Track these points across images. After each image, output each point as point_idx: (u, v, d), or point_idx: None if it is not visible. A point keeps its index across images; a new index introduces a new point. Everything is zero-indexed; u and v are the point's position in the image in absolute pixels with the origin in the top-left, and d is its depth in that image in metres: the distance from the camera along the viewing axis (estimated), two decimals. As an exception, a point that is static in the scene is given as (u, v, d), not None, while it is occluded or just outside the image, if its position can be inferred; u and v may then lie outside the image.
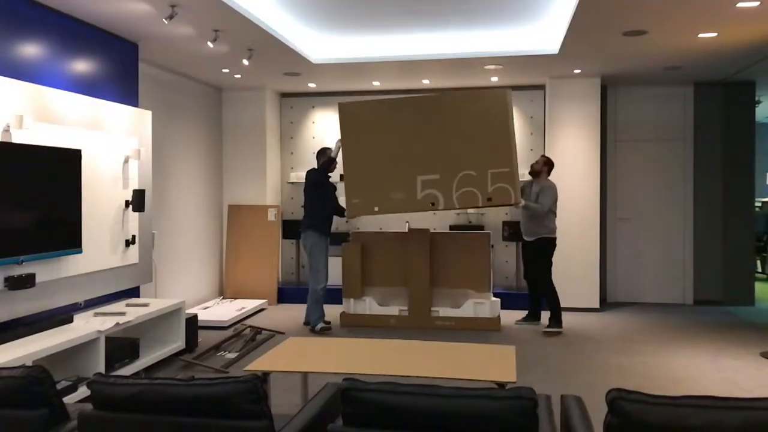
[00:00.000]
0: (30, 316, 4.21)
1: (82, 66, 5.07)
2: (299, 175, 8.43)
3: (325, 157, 6.46)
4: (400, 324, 6.54)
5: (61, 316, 4.42)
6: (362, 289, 6.66)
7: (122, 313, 4.72)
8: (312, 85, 7.96)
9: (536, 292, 6.68)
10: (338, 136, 6.15)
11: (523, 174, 6.67)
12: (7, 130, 3.92)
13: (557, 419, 2.64)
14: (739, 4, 4.59)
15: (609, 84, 7.78)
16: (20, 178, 4.03)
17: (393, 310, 6.62)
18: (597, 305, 7.44)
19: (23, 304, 4.11)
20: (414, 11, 5.56)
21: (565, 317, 6.45)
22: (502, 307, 6.63)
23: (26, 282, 4.04)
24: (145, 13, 4.80)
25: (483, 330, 6.34)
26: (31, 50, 4.52)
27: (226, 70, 6.94)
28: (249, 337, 6.06)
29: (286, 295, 7.93)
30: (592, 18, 4.98)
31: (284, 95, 8.55)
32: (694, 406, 1.78)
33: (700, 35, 5.48)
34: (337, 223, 7.10)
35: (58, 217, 4.39)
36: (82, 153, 4.52)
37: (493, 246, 7.10)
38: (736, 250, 7.81)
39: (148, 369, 4.90)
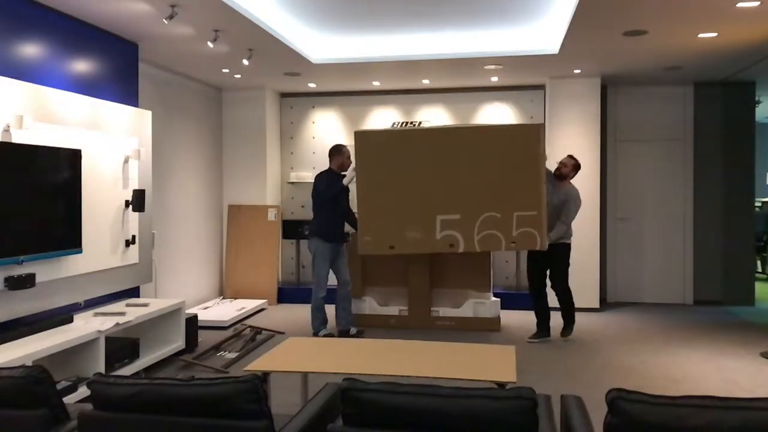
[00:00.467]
0: (30, 316, 4.21)
1: (82, 66, 5.07)
2: (299, 175, 8.45)
3: (339, 156, 6.11)
4: (400, 324, 6.54)
5: (61, 316, 4.41)
6: (362, 289, 6.66)
7: (122, 313, 4.72)
8: (312, 85, 7.96)
9: (543, 305, 6.16)
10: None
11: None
12: (7, 130, 3.92)
13: (557, 419, 2.64)
14: (739, 4, 4.59)
15: (609, 84, 7.78)
16: (20, 178, 4.04)
17: (393, 310, 6.62)
18: (597, 305, 7.44)
19: (23, 304, 4.11)
20: (414, 11, 5.56)
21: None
22: (502, 307, 6.63)
23: (26, 282, 4.04)
24: (145, 13, 4.80)
25: (483, 330, 6.34)
26: (31, 50, 4.52)
27: (226, 70, 6.94)
28: (249, 337, 6.06)
29: (286, 295, 7.93)
30: (592, 18, 4.98)
31: (284, 95, 8.55)
32: (694, 406, 1.78)
33: (700, 35, 5.48)
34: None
35: (58, 217, 4.39)
36: (82, 153, 4.52)
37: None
38: (736, 250, 7.81)
39: (148, 369, 4.90)
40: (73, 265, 4.54)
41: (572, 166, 6.07)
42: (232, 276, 8.03)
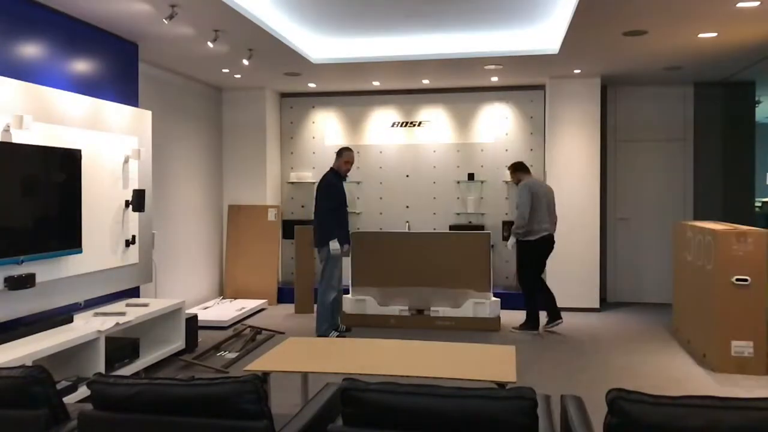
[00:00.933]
0: (30, 316, 4.21)
1: (82, 66, 5.07)
2: (299, 175, 8.45)
3: (339, 158, 6.09)
4: (400, 324, 6.54)
5: (61, 316, 4.41)
6: (362, 289, 6.66)
7: (122, 313, 4.72)
8: (312, 85, 7.96)
9: (541, 298, 6.46)
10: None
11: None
12: (7, 130, 3.92)
13: (557, 419, 2.64)
14: (739, 4, 4.59)
15: (609, 84, 7.78)
16: (20, 178, 4.04)
17: (393, 310, 6.62)
18: (597, 305, 7.44)
19: (23, 304, 4.11)
20: (414, 11, 5.55)
21: (565, 317, 6.44)
22: (502, 307, 6.63)
23: (26, 282, 4.03)
24: (145, 13, 4.80)
25: (483, 330, 6.34)
26: (31, 50, 4.52)
27: (226, 70, 6.94)
28: (249, 337, 6.06)
29: (286, 295, 7.92)
30: (592, 18, 4.97)
31: (284, 95, 8.55)
32: (694, 406, 1.78)
33: (700, 35, 5.48)
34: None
35: (58, 217, 4.39)
36: (82, 153, 4.52)
37: (493, 246, 7.10)
38: (736, 250, 7.80)
39: (148, 369, 4.90)
40: (73, 265, 4.54)
41: (511, 170, 6.69)
42: (232, 276, 8.03)
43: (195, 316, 5.76)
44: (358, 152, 7.45)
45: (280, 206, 8.27)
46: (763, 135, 10.02)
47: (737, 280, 4.93)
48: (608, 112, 7.92)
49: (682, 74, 7.19)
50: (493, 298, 6.54)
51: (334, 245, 5.86)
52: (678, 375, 5.01)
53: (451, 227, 7.99)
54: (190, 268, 7.37)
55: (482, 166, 8.03)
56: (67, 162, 4.42)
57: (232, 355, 5.50)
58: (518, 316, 6.79)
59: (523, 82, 7.80)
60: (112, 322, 4.43)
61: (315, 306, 6.45)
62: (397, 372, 3.30)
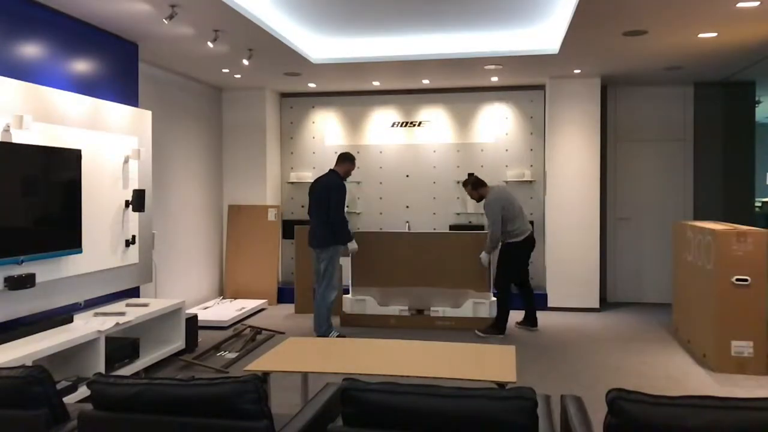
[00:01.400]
0: (30, 316, 4.21)
1: (82, 66, 5.07)
2: (299, 175, 8.45)
3: (346, 163, 6.12)
4: (400, 324, 6.54)
5: (61, 316, 4.41)
6: (362, 289, 6.66)
7: (122, 313, 4.72)
8: (312, 85, 7.96)
9: (524, 300, 6.57)
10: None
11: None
12: (7, 130, 3.92)
13: (557, 419, 2.64)
14: (739, 4, 4.59)
15: (609, 84, 7.78)
16: (20, 178, 4.04)
17: (393, 310, 6.62)
18: (597, 305, 7.44)
19: (23, 304, 4.11)
20: (414, 11, 5.55)
21: (566, 317, 6.46)
22: (502, 307, 6.63)
23: (26, 282, 4.04)
24: (145, 13, 4.80)
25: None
26: (31, 50, 4.52)
27: (226, 70, 6.94)
28: (249, 337, 6.06)
29: (286, 295, 7.92)
30: (592, 18, 4.97)
31: (284, 95, 8.55)
32: (694, 406, 1.78)
33: (700, 35, 5.48)
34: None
35: (58, 217, 4.39)
36: (82, 153, 4.52)
37: (493, 246, 7.10)
38: (736, 250, 7.80)
39: (148, 369, 4.90)
40: (73, 265, 4.54)
41: (469, 188, 6.44)
42: (232, 276, 8.03)
43: (195, 316, 5.76)
44: (358, 152, 7.46)
45: (280, 206, 8.27)
46: (763, 135, 10.02)
47: (737, 280, 4.93)
48: (608, 112, 7.92)
49: (682, 74, 7.19)
50: (493, 298, 6.54)
51: (353, 245, 6.15)
52: (678, 375, 5.01)
53: (451, 227, 7.99)
54: (190, 268, 7.37)
55: (482, 166, 8.03)
56: (67, 162, 4.42)
57: (232, 355, 5.50)
58: (518, 316, 6.79)
59: (523, 82, 7.80)
60: (112, 322, 4.43)
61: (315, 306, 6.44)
62: (397, 372, 3.30)
